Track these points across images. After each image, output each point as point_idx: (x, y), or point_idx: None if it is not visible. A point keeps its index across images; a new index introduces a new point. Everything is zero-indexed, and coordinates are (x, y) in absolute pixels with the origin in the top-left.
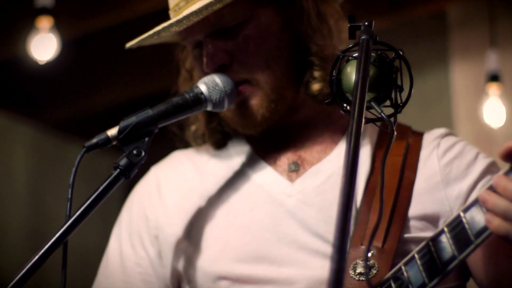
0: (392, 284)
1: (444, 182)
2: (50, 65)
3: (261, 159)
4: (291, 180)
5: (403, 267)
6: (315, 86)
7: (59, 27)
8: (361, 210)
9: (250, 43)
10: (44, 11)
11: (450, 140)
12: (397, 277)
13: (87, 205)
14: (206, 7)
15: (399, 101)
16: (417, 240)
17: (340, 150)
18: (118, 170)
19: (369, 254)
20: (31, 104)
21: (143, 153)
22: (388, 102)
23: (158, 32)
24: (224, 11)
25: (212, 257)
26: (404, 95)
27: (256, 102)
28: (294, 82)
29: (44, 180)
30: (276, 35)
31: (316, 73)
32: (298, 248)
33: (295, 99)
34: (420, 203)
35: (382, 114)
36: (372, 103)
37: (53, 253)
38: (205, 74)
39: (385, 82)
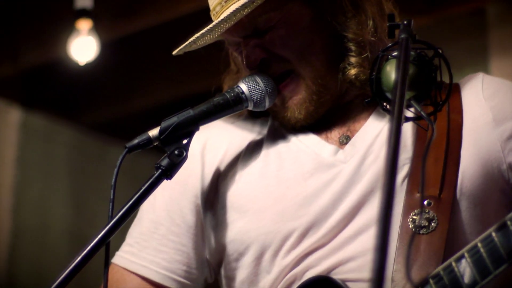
0: (445, 277)
1: (495, 121)
2: (91, 66)
3: (310, 131)
4: (342, 148)
5: (453, 263)
6: (352, 71)
7: (98, 29)
8: (414, 156)
9: (283, 37)
10: (83, 13)
11: (492, 80)
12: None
13: (129, 206)
14: (234, 13)
15: (438, 100)
16: (472, 188)
17: (376, 114)
18: (159, 170)
19: (425, 203)
20: (72, 105)
21: (184, 153)
22: (427, 101)
23: (194, 41)
24: (256, 13)
25: (268, 230)
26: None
27: (299, 96)
28: (334, 72)
29: (86, 181)
30: (308, 27)
31: (352, 59)
32: (357, 209)
33: (338, 89)
34: (472, 145)
35: (422, 112)
36: (412, 102)
37: (95, 254)
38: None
39: (424, 80)
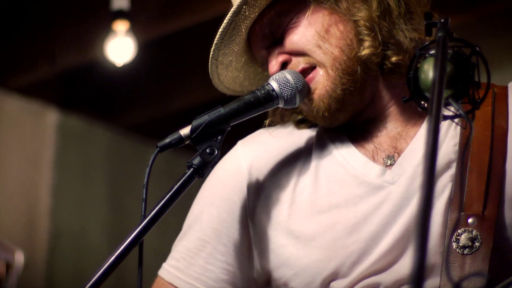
0: None
1: None
2: (127, 67)
3: (355, 148)
4: (389, 168)
5: None
6: (363, 52)
7: (135, 30)
8: (457, 172)
9: (297, 36)
10: (120, 14)
11: None
12: None
13: (162, 205)
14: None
15: (476, 98)
16: None
17: (423, 130)
18: (191, 169)
19: (469, 221)
20: (109, 107)
21: (216, 152)
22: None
23: (219, 44)
24: (266, 19)
25: (320, 258)
26: (482, 91)
27: (321, 86)
28: (354, 58)
29: (123, 182)
30: (316, 19)
31: (364, 43)
32: (408, 232)
33: (364, 79)
34: None
35: (460, 111)
36: (450, 100)
37: (129, 253)
38: None
39: (462, 79)
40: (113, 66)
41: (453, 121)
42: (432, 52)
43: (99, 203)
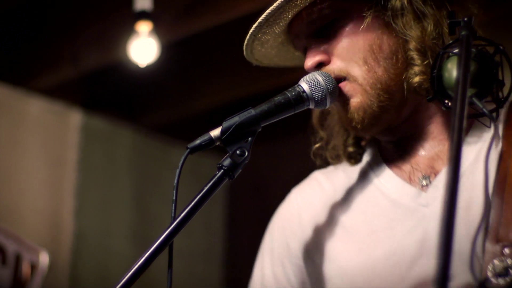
0: None
1: None
2: (151, 68)
3: (394, 173)
4: (425, 190)
5: None
6: (415, 80)
7: (158, 30)
8: (494, 203)
9: (345, 40)
10: (143, 15)
11: None
12: None
13: (192, 206)
14: None
15: (500, 96)
16: None
17: (464, 149)
18: (222, 170)
19: (505, 251)
20: (133, 107)
21: (246, 153)
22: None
23: (259, 30)
24: (316, 8)
25: (361, 285)
26: (506, 89)
27: (357, 99)
28: (398, 79)
29: (147, 183)
30: (371, 32)
31: (416, 68)
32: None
33: (404, 98)
34: None
35: (484, 109)
36: (474, 99)
37: (159, 254)
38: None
39: (486, 77)
40: (136, 67)
41: (477, 120)
42: (456, 51)
43: (123, 204)
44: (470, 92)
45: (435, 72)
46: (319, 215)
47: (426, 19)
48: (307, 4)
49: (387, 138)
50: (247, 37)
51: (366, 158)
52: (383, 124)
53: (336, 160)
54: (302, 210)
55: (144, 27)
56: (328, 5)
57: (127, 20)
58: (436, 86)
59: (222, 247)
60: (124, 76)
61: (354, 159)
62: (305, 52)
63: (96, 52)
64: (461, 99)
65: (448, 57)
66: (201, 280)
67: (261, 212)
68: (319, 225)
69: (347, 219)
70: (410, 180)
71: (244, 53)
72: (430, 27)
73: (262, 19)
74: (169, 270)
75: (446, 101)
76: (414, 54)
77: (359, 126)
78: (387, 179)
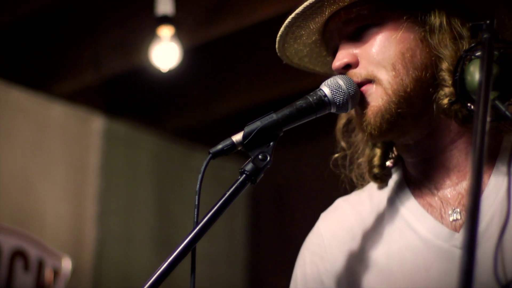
0: None
1: None
2: (173, 73)
3: (424, 209)
4: (456, 229)
5: None
6: (445, 101)
7: (180, 35)
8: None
9: (378, 45)
10: (165, 20)
11: None
12: None
13: (215, 211)
14: None
15: None
16: None
17: (496, 181)
18: (244, 175)
19: None
20: (155, 112)
21: (268, 158)
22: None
23: (292, 25)
24: (355, 9)
25: None
26: None
27: (376, 103)
28: (422, 92)
29: (169, 188)
30: (405, 41)
31: (446, 89)
32: None
33: (426, 113)
34: None
35: (506, 112)
36: (496, 102)
37: (182, 259)
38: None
39: (509, 80)
40: (158, 71)
41: (500, 123)
42: (478, 54)
43: (145, 209)
44: (492, 95)
45: (457, 75)
46: (350, 250)
47: (462, 41)
48: (345, 3)
49: (409, 159)
50: (282, 28)
51: (391, 183)
52: (399, 130)
53: (361, 179)
54: (332, 244)
55: (166, 32)
56: (367, 8)
57: (149, 25)
58: (458, 90)
59: (244, 251)
60: (146, 81)
61: (380, 179)
62: (335, 54)
63: (118, 57)
64: (484, 102)
65: (471, 60)
66: (224, 284)
67: (283, 216)
68: (351, 262)
69: (379, 257)
70: (441, 218)
71: (276, 46)
72: (466, 44)
73: (300, 11)
74: (192, 275)
75: (469, 104)
76: (445, 75)
77: (375, 132)
78: (418, 216)
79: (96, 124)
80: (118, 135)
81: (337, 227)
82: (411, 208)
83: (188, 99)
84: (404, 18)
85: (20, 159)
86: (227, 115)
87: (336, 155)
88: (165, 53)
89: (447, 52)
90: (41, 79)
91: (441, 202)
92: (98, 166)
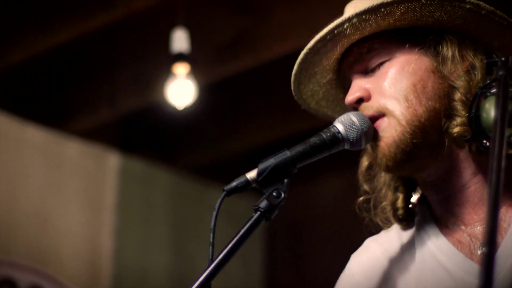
0: None
1: None
2: (188, 110)
3: (453, 246)
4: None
5: None
6: (455, 130)
7: (195, 72)
8: None
9: (390, 78)
10: (180, 57)
11: None
12: None
13: (230, 248)
14: (363, 14)
15: None
16: None
17: None
18: (258, 212)
19: None
20: (170, 149)
21: (282, 195)
22: None
23: (305, 61)
24: (367, 44)
25: None
26: None
27: (390, 134)
28: (439, 126)
29: (185, 225)
30: (417, 73)
31: (458, 119)
32: None
33: (442, 145)
34: None
35: None
36: None
37: None
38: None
39: None
40: (173, 109)
41: None
42: (494, 90)
43: (160, 245)
44: (508, 132)
45: (472, 112)
46: (377, 283)
47: (475, 71)
48: (357, 37)
49: (432, 196)
50: (295, 65)
51: (418, 223)
52: (415, 163)
53: (387, 223)
54: (364, 284)
55: (181, 69)
56: (378, 42)
57: (164, 62)
58: (474, 127)
59: (260, 286)
60: (162, 118)
61: (405, 221)
62: (348, 88)
63: (134, 94)
64: (499, 140)
65: (486, 97)
66: None
67: (299, 250)
68: None
69: None
70: (471, 254)
71: (292, 87)
72: (477, 79)
73: (311, 45)
74: None
75: (484, 141)
76: (458, 105)
77: (391, 163)
78: (448, 255)
79: (112, 161)
80: (133, 172)
81: (367, 267)
82: (441, 247)
83: (203, 136)
84: (416, 50)
85: (36, 196)
86: (242, 152)
87: (360, 199)
88: (181, 90)
89: (460, 83)
90: (57, 116)
91: (470, 238)
92: (114, 203)
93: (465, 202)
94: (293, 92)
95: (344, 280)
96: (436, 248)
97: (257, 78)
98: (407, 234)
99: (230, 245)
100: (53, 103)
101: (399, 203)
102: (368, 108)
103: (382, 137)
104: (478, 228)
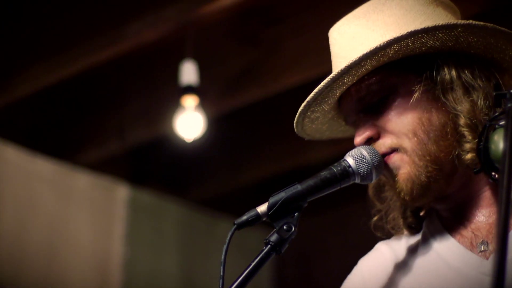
0: None
1: None
2: (197, 142)
3: (456, 240)
4: (486, 258)
5: None
6: (467, 157)
7: (204, 105)
8: None
9: (395, 114)
10: (189, 90)
11: None
12: None
13: (240, 282)
14: (361, 60)
15: None
16: None
17: None
18: (269, 246)
19: None
20: (179, 181)
21: (293, 228)
22: None
23: (309, 105)
24: (364, 84)
25: None
26: None
27: (404, 170)
28: (447, 152)
29: (194, 257)
30: (420, 106)
31: (467, 145)
32: None
33: (454, 169)
34: None
35: None
36: None
37: None
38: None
39: None
40: (182, 141)
41: None
42: (502, 123)
43: (170, 278)
44: None
45: (481, 144)
46: (384, 285)
47: (476, 92)
48: (354, 81)
49: (442, 207)
50: (297, 115)
51: (426, 226)
52: (433, 194)
53: (397, 230)
54: (372, 281)
55: (190, 102)
56: (376, 81)
57: (173, 95)
58: (483, 159)
59: None
60: (170, 150)
61: (414, 229)
62: (355, 126)
63: (143, 126)
64: (508, 171)
65: (495, 129)
66: None
67: (306, 282)
68: None
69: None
70: (472, 247)
71: (295, 130)
72: (480, 101)
73: (310, 99)
74: None
75: (493, 173)
76: (465, 131)
77: (408, 198)
78: (449, 247)
79: (121, 193)
80: (142, 204)
81: (375, 266)
82: (442, 240)
83: (212, 168)
84: (414, 78)
85: (45, 228)
86: (251, 184)
87: (375, 218)
88: (190, 122)
89: (462, 108)
90: (66, 148)
91: (473, 233)
92: (123, 234)
93: (473, 207)
94: (296, 132)
95: (352, 279)
96: (437, 242)
97: (265, 110)
98: (415, 238)
99: (240, 279)
100: (63, 135)
101: (409, 212)
102: (380, 146)
103: (398, 171)
104: (482, 224)
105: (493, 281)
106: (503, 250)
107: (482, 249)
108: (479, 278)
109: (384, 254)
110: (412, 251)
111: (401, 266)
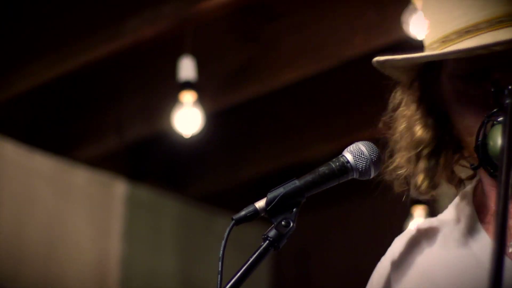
0: None
1: None
2: (195, 138)
3: (487, 233)
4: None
5: None
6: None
7: (202, 100)
8: None
9: None
10: (187, 85)
11: None
12: None
13: (238, 277)
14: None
15: None
16: None
17: None
18: (267, 241)
19: None
20: (177, 177)
21: (291, 224)
22: None
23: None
24: None
25: None
26: None
27: None
28: None
29: (193, 253)
30: None
31: None
32: None
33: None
34: None
35: None
36: None
37: None
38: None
39: None
40: (180, 137)
41: None
42: (500, 119)
43: (168, 274)
44: None
45: (479, 140)
46: (410, 265)
47: None
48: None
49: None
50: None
51: (461, 209)
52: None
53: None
54: (395, 258)
55: (188, 98)
56: None
57: (171, 91)
58: (481, 155)
59: None
60: (169, 146)
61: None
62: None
63: (141, 122)
64: (506, 168)
65: (493, 125)
66: None
67: (305, 279)
68: (412, 280)
69: (438, 279)
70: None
71: (378, 62)
72: None
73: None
74: None
75: (492, 170)
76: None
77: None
78: (485, 246)
79: (119, 189)
80: (141, 200)
81: (404, 248)
82: (475, 235)
83: (210, 164)
84: None
85: (43, 224)
86: (249, 180)
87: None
88: (188, 118)
89: None
90: (64, 144)
91: (509, 233)
92: (122, 231)
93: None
94: (376, 63)
95: (383, 262)
96: (474, 241)
97: (264, 106)
98: (447, 224)
99: (238, 274)
100: (61, 131)
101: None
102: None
103: None
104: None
105: (491, 280)
106: (501, 248)
107: (510, 251)
108: None
109: (413, 236)
110: (440, 232)
111: (435, 256)
